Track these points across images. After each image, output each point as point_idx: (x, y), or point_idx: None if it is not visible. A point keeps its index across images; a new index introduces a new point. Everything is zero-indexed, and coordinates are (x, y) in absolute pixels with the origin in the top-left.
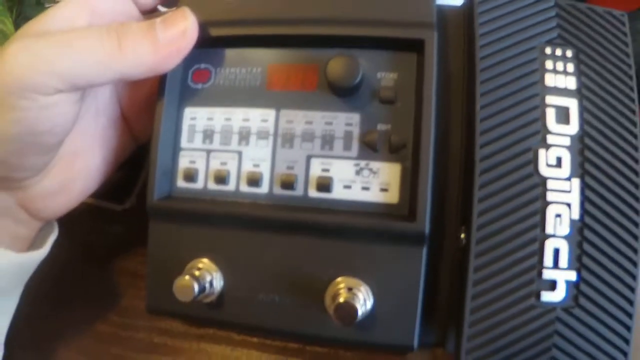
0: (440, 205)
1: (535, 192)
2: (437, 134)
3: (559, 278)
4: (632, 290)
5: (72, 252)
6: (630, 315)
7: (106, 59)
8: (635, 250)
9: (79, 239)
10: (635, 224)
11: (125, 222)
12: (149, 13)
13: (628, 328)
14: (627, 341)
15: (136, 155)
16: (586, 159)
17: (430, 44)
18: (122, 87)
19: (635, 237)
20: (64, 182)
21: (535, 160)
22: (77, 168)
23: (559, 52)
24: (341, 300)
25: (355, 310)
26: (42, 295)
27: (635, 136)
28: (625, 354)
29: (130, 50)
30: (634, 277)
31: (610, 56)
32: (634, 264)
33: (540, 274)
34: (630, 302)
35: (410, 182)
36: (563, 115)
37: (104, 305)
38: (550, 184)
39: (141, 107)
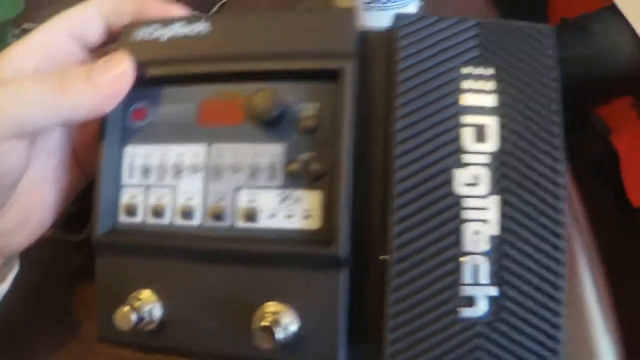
0: (365, 228)
1: (452, 211)
2: (355, 160)
3: (479, 294)
4: (558, 301)
5: (34, 283)
6: (556, 327)
7: (50, 105)
8: (558, 262)
9: (41, 269)
10: (557, 235)
11: (86, 251)
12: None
13: (555, 339)
14: (554, 352)
15: (92, 188)
16: (504, 175)
17: (346, 74)
18: (72, 126)
19: (557, 248)
20: (21, 220)
21: (451, 180)
22: (33, 206)
23: (478, 71)
24: (262, 324)
25: (273, 334)
26: (3, 324)
27: (557, 149)
28: None
29: (72, 96)
30: (557, 288)
31: (533, 71)
32: (557, 275)
33: (459, 290)
34: (556, 314)
35: (330, 208)
36: (480, 134)
37: (66, 333)
38: (467, 203)
39: (90, 145)
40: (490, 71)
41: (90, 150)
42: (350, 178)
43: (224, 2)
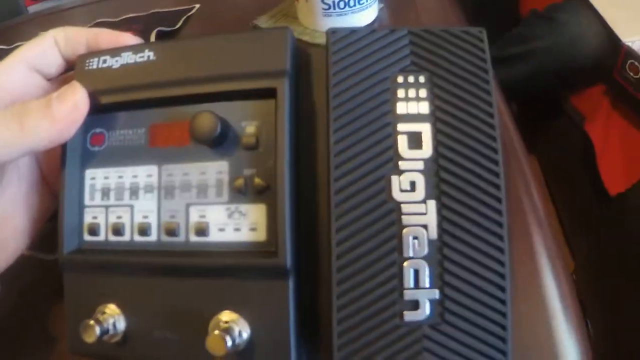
0: (312, 237)
1: (390, 217)
2: (294, 173)
3: (421, 297)
4: (502, 302)
5: (11, 301)
6: (502, 327)
7: (12, 140)
8: (500, 262)
9: (18, 288)
10: (498, 236)
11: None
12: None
13: (503, 340)
14: (503, 353)
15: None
16: (442, 179)
17: (282, 91)
18: (39, 153)
19: (498, 249)
20: None
21: (388, 187)
22: (7, 234)
23: (411, 79)
24: (215, 333)
25: (225, 342)
26: None
27: (494, 150)
28: None
29: (31, 128)
30: (501, 288)
31: (467, 74)
32: (501, 275)
33: (402, 295)
34: (502, 314)
35: (274, 220)
36: (415, 141)
37: (44, 349)
38: (404, 208)
39: (58, 168)
40: (422, 79)
41: (59, 173)
42: (290, 191)
43: (189, 16)
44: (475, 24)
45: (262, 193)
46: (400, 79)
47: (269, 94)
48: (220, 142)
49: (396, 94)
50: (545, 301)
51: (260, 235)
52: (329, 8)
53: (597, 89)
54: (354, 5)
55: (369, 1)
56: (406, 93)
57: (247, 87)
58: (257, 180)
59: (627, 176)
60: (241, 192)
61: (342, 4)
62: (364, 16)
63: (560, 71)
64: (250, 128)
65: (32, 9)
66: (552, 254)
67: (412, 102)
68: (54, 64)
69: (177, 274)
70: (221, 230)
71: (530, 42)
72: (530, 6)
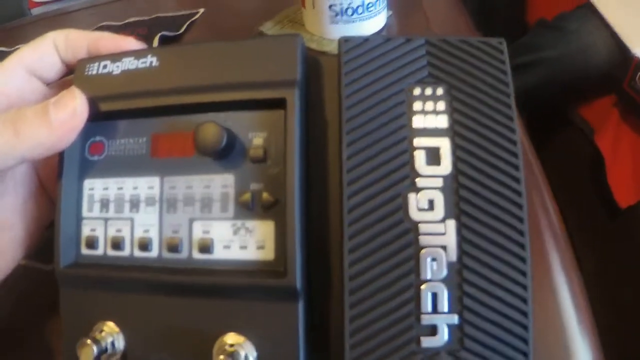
0: (322, 257)
1: (407, 237)
2: (306, 188)
3: (439, 322)
4: (524, 327)
5: (7, 313)
6: (524, 354)
7: (6, 148)
8: (524, 287)
9: (15, 298)
10: (522, 259)
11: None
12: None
13: None
14: None
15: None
16: (461, 198)
17: (292, 102)
18: (37, 161)
19: (522, 273)
20: None
21: (405, 206)
22: (3, 241)
23: (428, 91)
24: (220, 357)
25: None
26: None
27: (516, 167)
28: None
29: (28, 135)
30: (524, 314)
31: (486, 87)
32: (523, 300)
33: (418, 319)
34: (523, 340)
35: (283, 238)
36: (433, 156)
37: None
38: (422, 228)
39: (57, 175)
40: (440, 91)
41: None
42: (300, 207)
43: (193, 21)
44: (482, 33)
45: (270, 209)
46: (416, 91)
47: (278, 104)
48: (226, 154)
49: (412, 107)
50: (562, 321)
51: (268, 254)
52: (337, 15)
53: (606, 100)
54: (362, 12)
55: (377, 8)
56: (423, 106)
57: (255, 96)
58: (265, 195)
59: (637, 188)
60: (248, 208)
61: (350, 11)
62: (373, 24)
63: (569, 81)
64: (257, 140)
65: (36, 11)
66: (570, 273)
67: (430, 116)
68: (53, 68)
69: (180, 292)
70: (226, 247)
71: (538, 52)
72: (538, 15)
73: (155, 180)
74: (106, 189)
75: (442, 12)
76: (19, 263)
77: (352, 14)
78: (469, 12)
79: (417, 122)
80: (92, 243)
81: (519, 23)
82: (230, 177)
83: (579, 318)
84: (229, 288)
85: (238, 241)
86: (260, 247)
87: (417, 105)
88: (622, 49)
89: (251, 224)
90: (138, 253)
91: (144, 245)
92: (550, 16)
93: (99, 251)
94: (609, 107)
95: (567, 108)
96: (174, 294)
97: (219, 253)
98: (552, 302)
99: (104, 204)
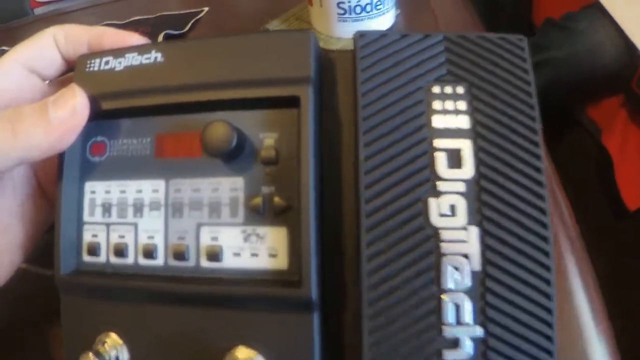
0: (337, 265)
1: (428, 245)
2: (320, 192)
3: (462, 335)
4: (549, 339)
5: (6, 319)
6: None
7: (4, 148)
8: (548, 297)
9: (13, 303)
10: (547, 267)
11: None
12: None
13: None
14: None
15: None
16: (484, 203)
17: (306, 100)
18: (35, 162)
19: (547, 282)
20: None
21: (425, 211)
22: (1, 245)
23: (448, 89)
24: None
25: None
26: None
27: (538, 170)
28: None
29: (25, 135)
30: (549, 325)
31: (508, 86)
32: (548, 311)
33: (440, 332)
34: (549, 353)
35: (297, 246)
36: (455, 159)
37: None
38: (444, 235)
39: (56, 177)
40: (460, 89)
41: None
42: (315, 212)
43: (198, 19)
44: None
45: (282, 214)
46: (436, 89)
47: (291, 102)
48: (236, 155)
49: (432, 106)
50: (579, 325)
51: (281, 262)
52: (345, 13)
53: (614, 101)
54: (371, 10)
55: (386, 7)
56: (443, 105)
57: (266, 94)
58: (277, 200)
59: None
60: (259, 213)
61: (358, 9)
62: (381, 22)
63: (577, 82)
64: (269, 140)
65: (38, 11)
66: (586, 277)
67: (450, 116)
68: (53, 64)
69: (187, 302)
70: (236, 255)
71: (546, 52)
72: (545, 14)
73: (160, 183)
74: (108, 192)
75: (450, 11)
76: (19, 267)
77: (360, 12)
78: (475, 12)
79: (437, 122)
80: (93, 249)
81: (525, 22)
82: (240, 180)
83: (595, 322)
84: (239, 298)
85: (249, 248)
86: (273, 255)
87: (436, 105)
88: (630, 48)
89: (262, 230)
90: (142, 261)
91: (149, 253)
92: (556, 15)
93: (101, 258)
94: (616, 107)
95: (574, 108)
96: (181, 304)
97: (229, 261)
98: (569, 306)
99: (106, 208)
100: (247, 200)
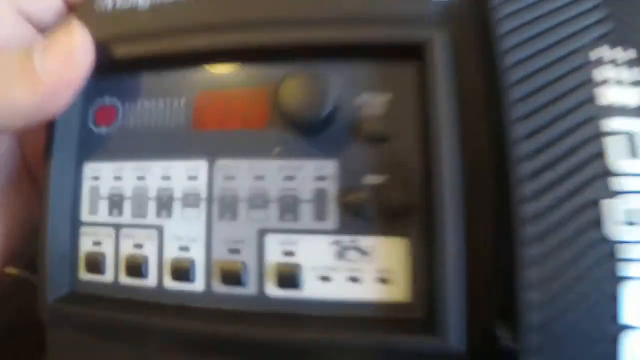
0: (475, 290)
1: (605, 268)
2: (461, 187)
3: None
4: None
5: (8, 324)
6: None
7: None
8: None
9: (8, 317)
10: None
11: None
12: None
13: None
14: None
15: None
16: None
17: (436, 49)
18: (21, 134)
19: None
20: None
21: (599, 219)
22: None
23: (614, 55)
24: None
25: None
26: None
27: None
28: None
29: (3, 94)
30: None
31: None
32: None
33: None
34: None
35: (424, 266)
36: (631, 147)
37: None
38: (626, 252)
39: (44, 156)
40: (631, 54)
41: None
42: (456, 217)
43: None
44: None
45: (399, 218)
46: (597, 54)
47: (411, 52)
48: (324, 127)
49: (594, 75)
50: None
51: (399, 292)
52: None
53: None
54: None
55: None
56: (609, 74)
57: (375, 39)
58: (393, 197)
59: None
60: (360, 215)
61: None
62: None
63: None
64: (374, 108)
65: None
66: None
67: (621, 89)
68: (51, 7)
69: (243, 352)
70: (324, 279)
71: None
72: None
73: (200, 165)
74: (119, 178)
75: None
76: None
77: None
78: None
79: (604, 97)
80: (95, 264)
81: None
82: (330, 165)
83: None
84: (331, 350)
85: (345, 269)
86: (384, 281)
87: (600, 73)
88: None
89: (367, 241)
90: (171, 284)
91: (182, 272)
92: None
93: (107, 277)
94: None
95: None
96: (233, 354)
97: (312, 289)
98: None
99: (116, 202)
100: (342, 196)
